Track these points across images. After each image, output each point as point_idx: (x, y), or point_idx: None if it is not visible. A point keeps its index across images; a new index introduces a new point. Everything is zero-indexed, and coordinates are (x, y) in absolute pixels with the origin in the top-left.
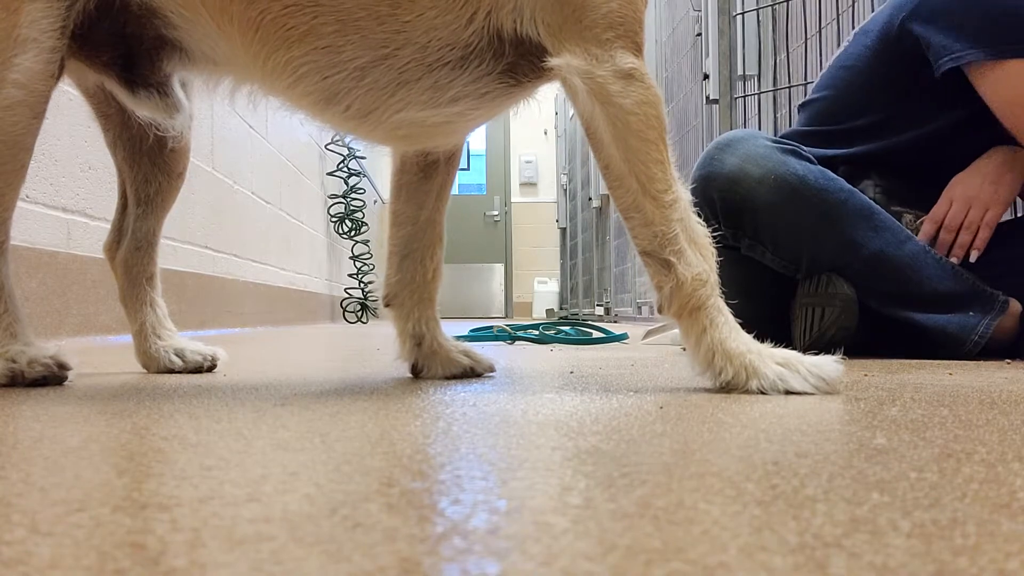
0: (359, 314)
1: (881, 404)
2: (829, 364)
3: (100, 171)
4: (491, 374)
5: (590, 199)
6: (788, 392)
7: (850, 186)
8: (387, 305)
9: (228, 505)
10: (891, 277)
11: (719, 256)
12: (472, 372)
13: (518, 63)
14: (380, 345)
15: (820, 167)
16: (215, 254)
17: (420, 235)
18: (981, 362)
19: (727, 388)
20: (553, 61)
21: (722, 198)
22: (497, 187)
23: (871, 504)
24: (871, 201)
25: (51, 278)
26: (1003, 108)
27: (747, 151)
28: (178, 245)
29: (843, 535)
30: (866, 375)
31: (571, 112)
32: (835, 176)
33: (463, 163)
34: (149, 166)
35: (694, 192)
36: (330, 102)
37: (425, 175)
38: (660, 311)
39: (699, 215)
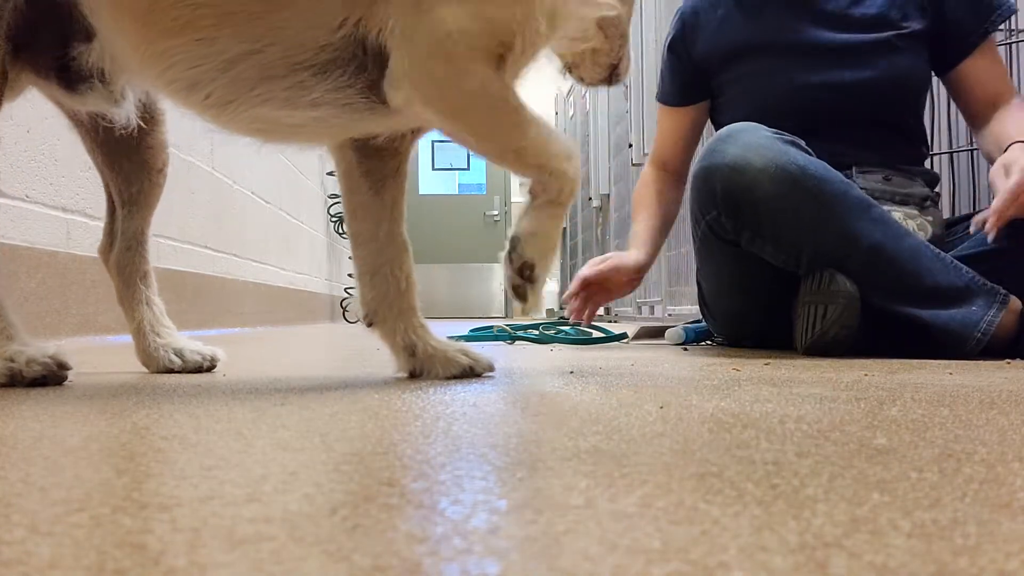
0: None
1: (881, 404)
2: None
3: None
4: (490, 373)
5: (590, 199)
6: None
7: (848, 179)
8: (370, 324)
9: (228, 505)
10: (891, 271)
11: (718, 251)
12: (472, 371)
13: (379, 82)
14: (380, 345)
15: (819, 159)
16: (215, 254)
17: (384, 250)
18: (981, 362)
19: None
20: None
21: (724, 188)
22: (497, 187)
23: (871, 504)
24: (867, 195)
25: (51, 278)
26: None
27: (749, 141)
28: (178, 245)
29: (843, 535)
30: (866, 375)
31: (571, 112)
32: (833, 168)
33: (463, 163)
34: (129, 166)
35: (695, 183)
36: (192, 90)
37: (376, 192)
38: (530, 194)
39: (700, 205)
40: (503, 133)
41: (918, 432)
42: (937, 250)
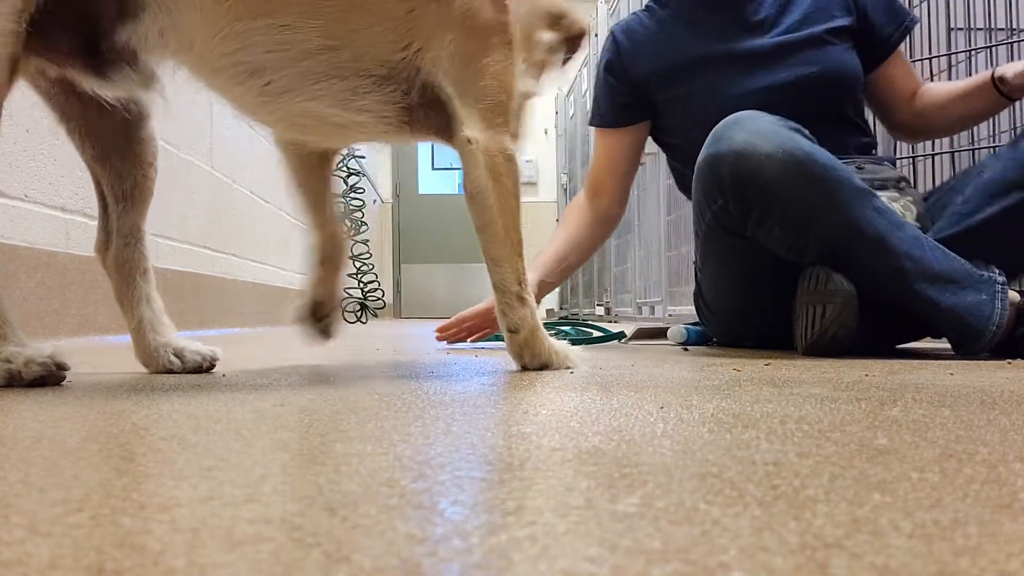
0: (358, 314)
1: (882, 404)
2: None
3: None
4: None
5: None
6: (570, 368)
7: (849, 168)
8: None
9: (228, 505)
10: (897, 258)
11: (723, 245)
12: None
13: (415, 108)
14: (380, 345)
15: (822, 147)
16: (214, 254)
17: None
18: (982, 362)
19: (548, 368)
20: (466, 132)
21: (732, 173)
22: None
23: (872, 505)
24: (866, 184)
25: (50, 278)
26: None
27: (756, 127)
28: (178, 245)
29: (844, 536)
30: (867, 375)
31: (571, 112)
32: (834, 157)
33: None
34: (120, 162)
35: (701, 171)
36: (255, 75)
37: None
38: (511, 331)
39: (706, 195)
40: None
41: (919, 432)
42: (934, 241)
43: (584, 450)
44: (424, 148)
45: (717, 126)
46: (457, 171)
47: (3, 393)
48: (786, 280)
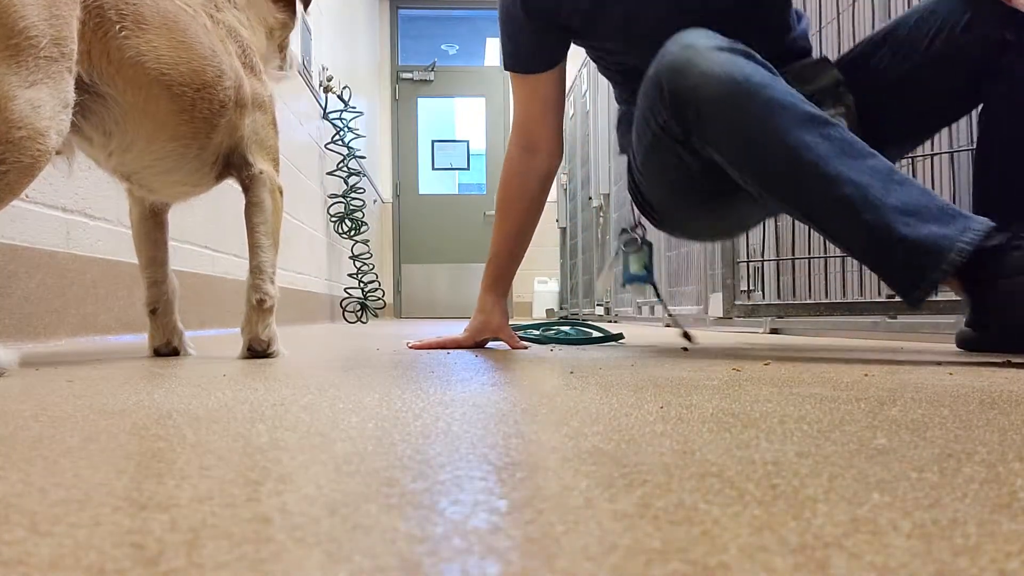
0: (359, 314)
1: (882, 404)
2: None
3: (100, 171)
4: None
5: (590, 199)
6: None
7: (802, 95)
8: (153, 312)
9: (228, 505)
10: (837, 186)
11: (668, 153)
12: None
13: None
14: (380, 345)
15: (772, 71)
16: (215, 254)
17: (164, 264)
18: (981, 362)
19: (268, 349)
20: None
21: (671, 90)
22: (497, 187)
23: (872, 504)
24: (825, 113)
25: (50, 278)
26: None
27: (697, 44)
28: (178, 245)
29: (844, 535)
30: (866, 375)
31: (571, 111)
32: (784, 82)
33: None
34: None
35: (645, 87)
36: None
37: (159, 228)
38: (260, 301)
39: (650, 109)
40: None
41: (918, 432)
42: (907, 176)
43: (584, 450)
44: (424, 148)
45: (666, 43)
46: (457, 171)
47: (3, 393)
48: (730, 184)
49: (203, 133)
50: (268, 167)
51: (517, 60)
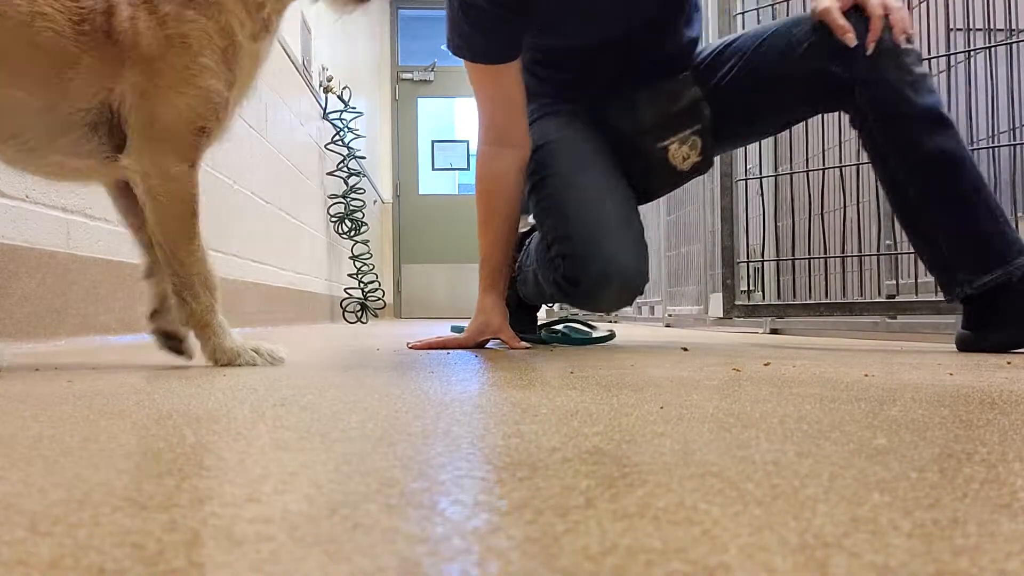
0: (359, 314)
1: (882, 404)
2: (281, 349)
3: None
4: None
5: None
6: (254, 364)
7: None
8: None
9: (228, 505)
10: None
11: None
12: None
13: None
14: (380, 345)
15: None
16: (215, 254)
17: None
18: (982, 362)
19: (228, 364)
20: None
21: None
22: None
23: (872, 504)
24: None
25: (51, 278)
26: None
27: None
28: None
29: (844, 535)
30: (866, 375)
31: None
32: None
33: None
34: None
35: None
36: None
37: (134, 206)
38: (185, 324)
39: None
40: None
41: (918, 432)
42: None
43: (584, 449)
44: (424, 148)
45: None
46: (457, 171)
47: (4, 393)
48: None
49: (50, 80)
50: (153, 153)
51: (480, 52)
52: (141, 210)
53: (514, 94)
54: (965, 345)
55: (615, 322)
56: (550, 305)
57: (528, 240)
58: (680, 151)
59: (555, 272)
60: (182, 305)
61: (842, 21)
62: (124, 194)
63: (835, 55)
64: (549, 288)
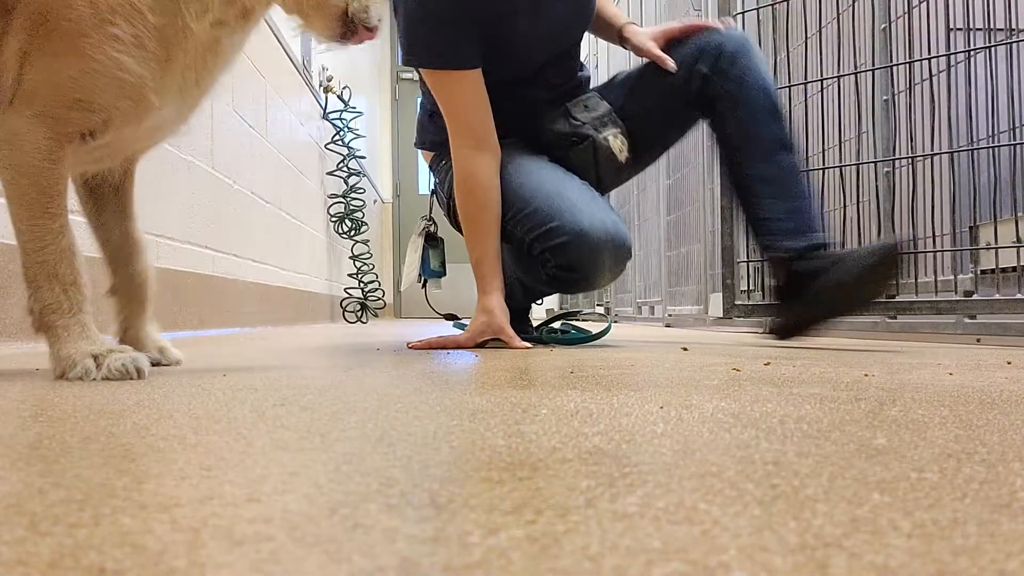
0: (359, 314)
1: (882, 404)
2: (141, 360)
3: None
4: (178, 365)
5: None
6: (92, 378)
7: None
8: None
9: (228, 505)
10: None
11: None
12: (159, 363)
13: None
14: (380, 345)
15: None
16: (215, 254)
17: (121, 245)
18: (982, 362)
19: (62, 377)
20: None
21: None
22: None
23: (872, 504)
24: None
25: None
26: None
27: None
28: (178, 245)
29: (843, 535)
30: (866, 375)
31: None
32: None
33: None
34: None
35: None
36: None
37: (98, 209)
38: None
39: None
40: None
41: (918, 432)
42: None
43: (584, 450)
44: None
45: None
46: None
47: (4, 393)
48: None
49: None
50: (11, 116)
51: (453, 56)
52: (106, 208)
53: (486, 98)
54: (777, 330)
55: (615, 322)
56: (539, 303)
57: None
58: (617, 142)
59: (545, 267)
60: (29, 300)
61: (660, 54)
62: (91, 196)
63: (697, 56)
64: (541, 286)
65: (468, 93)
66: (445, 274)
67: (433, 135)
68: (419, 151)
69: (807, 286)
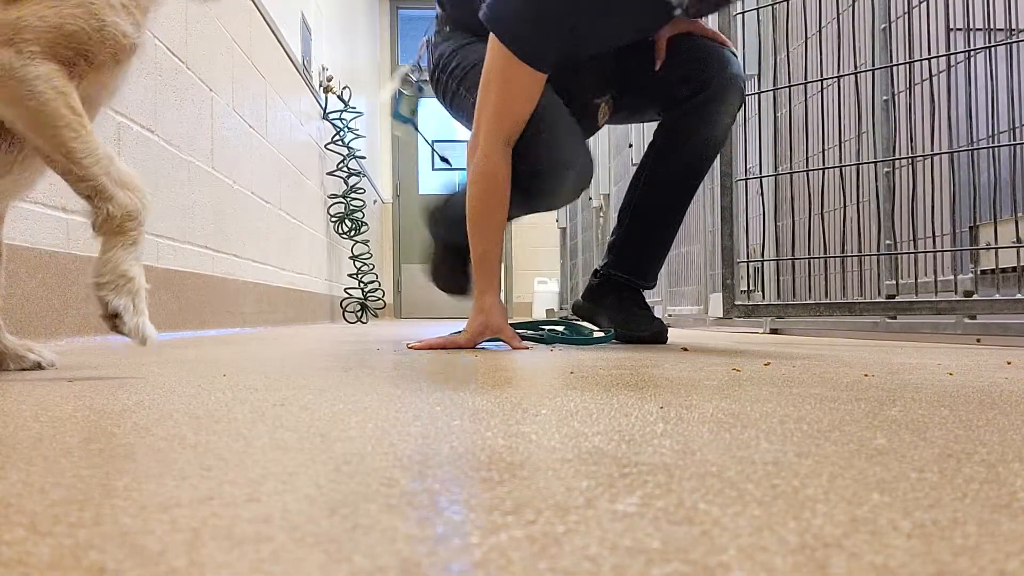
0: (359, 314)
1: (882, 404)
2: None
3: None
4: (53, 367)
5: (590, 199)
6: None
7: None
8: None
9: (228, 505)
10: None
11: None
12: (39, 365)
13: None
14: (380, 345)
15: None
16: (215, 254)
17: None
18: (981, 362)
19: (99, 288)
20: None
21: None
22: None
23: (871, 504)
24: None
25: (51, 278)
26: None
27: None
28: (178, 245)
29: (843, 535)
30: (866, 375)
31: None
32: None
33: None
34: None
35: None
36: None
37: None
38: (95, 229)
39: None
40: (53, 131)
41: (918, 432)
42: None
43: (584, 450)
44: (424, 149)
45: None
46: (458, 171)
47: (4, 393)
48: None
49: None
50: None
51: (538, 54)
52: None
53: (535, 105)
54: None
55: None
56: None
57: (442, 206)
58: (602, 109)
59: (520, 169)
60: (96, 210)
61: (660, 47)
62: None
63: (684, 78)
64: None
65: (529, 93)
66: (412, 123)
67: (462, 5)
68: (438, 18)
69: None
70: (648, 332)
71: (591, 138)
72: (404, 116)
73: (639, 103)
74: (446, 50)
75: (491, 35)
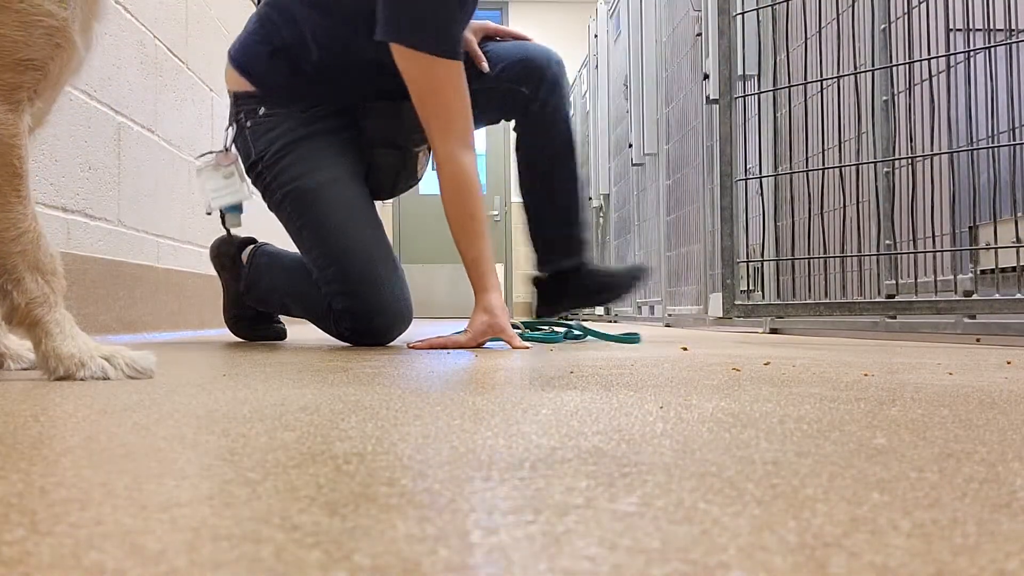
0: None
1: (881, 404)
2: (146, 358)
3: (100, 171)
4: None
5: (589, 199)
6: (106, 378)
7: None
8: None
9: (228, 505)
10: None
11: None
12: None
13: None
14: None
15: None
16: None
17: None
18: (981, 362)
19: (64, 378)
20: None
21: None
22: (497, 187)
23: (871, 504)
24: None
25: None
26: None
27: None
28: (179, 245)
29: (843, 535)
30: (866, 375)
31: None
32: None
33: None
34: None
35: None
36: None
37: None
38: (8, 322)
39: None
40: None
41: (918, 432)
42: None
43: (584, 450)
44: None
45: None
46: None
47: (5, 392)
48: None
49: None
50: None
51: (458, 42)
52: None
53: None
54: (542, 311)
55: (615, 321)
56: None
57: (254, 254)
58: (420, 159)
59: (339, 325)
60: (3, 296)
61: (476, 50)
62: None
63: (522, 78)
64: (328, 331)
65: (458, 85)
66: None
67: (267, 74)
68: (229, 67)
69: (563, 292)
70: (626, 271)
71: (591, 138)
72: (235, 220)
73: (484, 114)
74: (250, 125)
75: (401, 51)
